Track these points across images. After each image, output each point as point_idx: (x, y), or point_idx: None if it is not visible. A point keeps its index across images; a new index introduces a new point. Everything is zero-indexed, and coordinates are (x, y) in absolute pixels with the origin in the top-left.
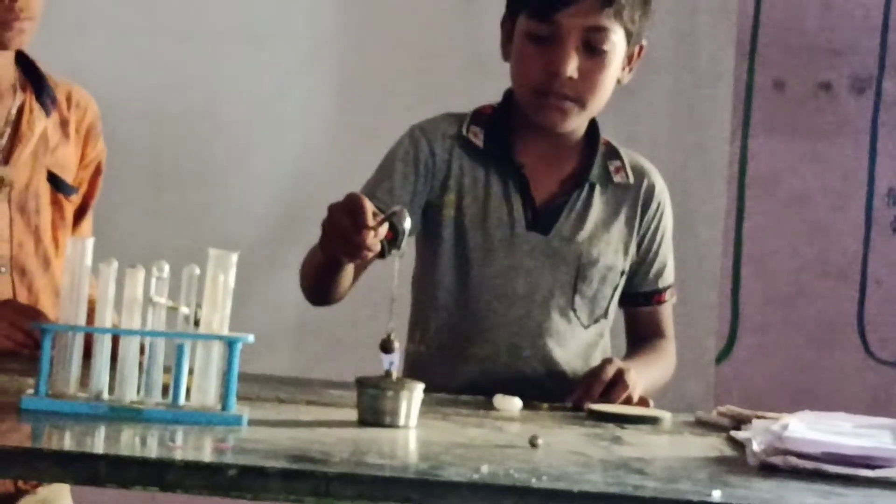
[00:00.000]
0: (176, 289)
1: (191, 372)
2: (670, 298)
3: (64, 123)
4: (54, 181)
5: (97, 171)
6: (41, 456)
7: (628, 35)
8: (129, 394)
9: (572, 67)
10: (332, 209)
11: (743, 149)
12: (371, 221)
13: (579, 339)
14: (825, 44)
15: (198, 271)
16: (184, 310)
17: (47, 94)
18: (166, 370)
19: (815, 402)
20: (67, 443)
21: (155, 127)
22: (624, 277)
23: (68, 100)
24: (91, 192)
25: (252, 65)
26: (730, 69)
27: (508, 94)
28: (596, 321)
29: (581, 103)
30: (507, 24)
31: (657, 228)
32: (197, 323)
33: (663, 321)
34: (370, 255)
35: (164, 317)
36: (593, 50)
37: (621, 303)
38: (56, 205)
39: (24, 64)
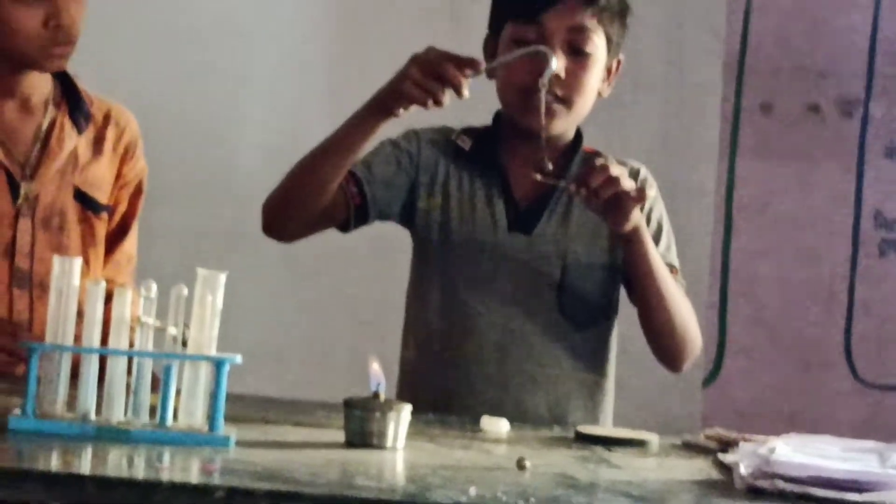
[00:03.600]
0: (164, 309)
1: (178, 392)
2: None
3: (98, 141)
4: (83, 199)
5: (137, 190)
6: (28, 477)
7: (608, 42)
8: (117, 414)
9: (559, 65)
10: (430, 50)
11: (730, 171)
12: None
13: (572, 341)
14: (812, 66)
15: (186, 291)
16: (171, 330)
17: (81, 112)
18: (154, 390)
19: (803, 425)
20: (54, 463)
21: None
22: (618, 274)
23: (106, 117)
24: (131, 211)
25: (242, 94)
26: (717, 91)
27: (497, 117)
28: (592, 323)
29: (568, 104)
30: (490, 43)
31: (642, 208)
32: (185, 343)
33: None
34: (445, 99)
35: (152, 337)
36: (577, 51)
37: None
38: (86, 223)
39: (63, 80)
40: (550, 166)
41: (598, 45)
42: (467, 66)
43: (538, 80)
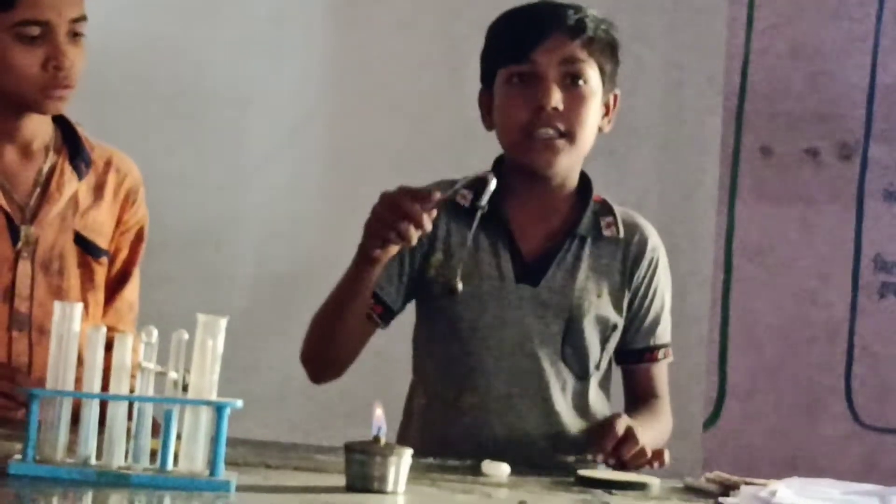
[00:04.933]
0: (165, 354)
1: (179, 437)
2: (664, 358)
3: (99, 187)
4: (83, 243)
5: (138, 237)
6: None
7: (602, 74)
8: (117, 459)
9: (556, 98)
10: (385, 194)
11: (730, 215)
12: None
13: (573, 390)
14: (811, 110)
15: (186, 336)
16: (172, 375)
17: (81, 158)
18: (154, 435)
19: (804, 468)
20: None
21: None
22: (618, 332)
23: (107, 164)
24: (132, 258)
25: (241, 131)
26: (717, 135)
27: (498, 161)
28: (590, 374)
29: (569, 138)
30: (484, 96)
31: (649, 284)
32: (185, 388)
33: (657, 380)
34: (416, 237)
35: (153, 382)
36: (572, 83)
37: (617, 360)
38: (85, 267)
39: (63, 126)
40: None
41: (591, 76)
42: (422, 198)
43: (536, 116)
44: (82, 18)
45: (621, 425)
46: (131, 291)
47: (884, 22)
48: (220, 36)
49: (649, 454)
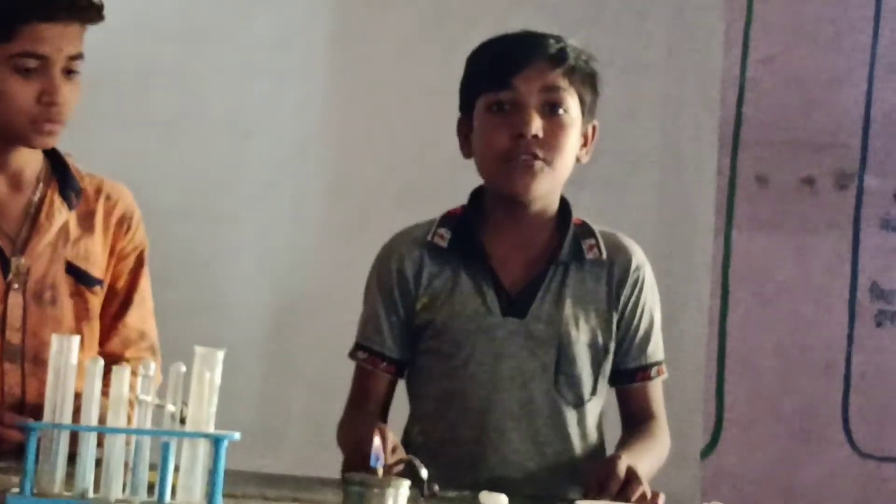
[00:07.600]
0: (162, 386)
1: (177, 469)
2: (657, 375)
3: (89, 215)
4: (75, 273)
5: (139, 262)
6: None
7: (582, 104)
8: (115, 492)
9: (536, 126)
10: (355, 452)
11: (727, 243)
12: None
13: (569, 418)
14: (807, 139)
15: (184, 369)
16: (170, 407)
17: (71, 188)
18: (152, 468)
19: (801, 496)
20: None
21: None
22: (610, 355)
23: (97, 192)
24: (133, 284)
25: (241, 159)
26: (713, 164)
27: (475, 194)
28: (585, 401)
29: (548, 164)
30: (463, 123)
31: (636, 304)
32: (183, 420)
33: (652, 399)
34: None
35: (151, 414)
36: (552, 111)
37: (611, 382)
38: (78, 297)
39: (53, 157)
40: (437, 488)
41: (571, 105)
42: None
43: (516, 143)
44: (79, 56)
45: (622, 467)
46: (136, 319)
47: (879, 51)
48: (219, 63)
49: (649, 495)
